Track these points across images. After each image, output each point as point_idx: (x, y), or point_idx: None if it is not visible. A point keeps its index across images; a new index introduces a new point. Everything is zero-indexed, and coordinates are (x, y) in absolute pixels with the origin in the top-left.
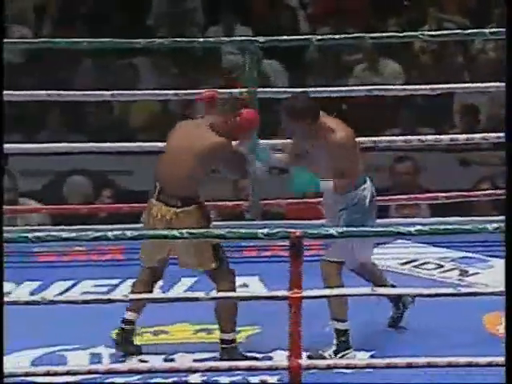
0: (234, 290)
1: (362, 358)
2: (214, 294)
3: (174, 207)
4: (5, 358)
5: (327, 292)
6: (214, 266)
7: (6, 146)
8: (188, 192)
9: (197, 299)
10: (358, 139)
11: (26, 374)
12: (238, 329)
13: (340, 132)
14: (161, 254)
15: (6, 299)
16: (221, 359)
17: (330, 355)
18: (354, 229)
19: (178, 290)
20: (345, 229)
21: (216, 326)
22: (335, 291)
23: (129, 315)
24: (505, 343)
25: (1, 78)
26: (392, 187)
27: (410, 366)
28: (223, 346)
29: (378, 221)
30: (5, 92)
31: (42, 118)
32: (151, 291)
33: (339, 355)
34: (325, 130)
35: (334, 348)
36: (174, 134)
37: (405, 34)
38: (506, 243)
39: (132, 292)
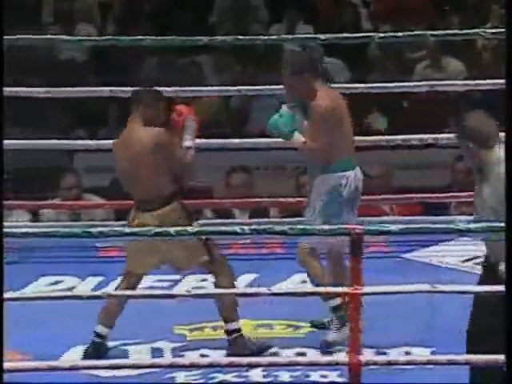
0: (233, 281)
1: (422, 354)
2: (275, 289)
3: (154, 210)
4: (69, 351)
5: (387, 289)
6: (207, 259)
7: (70, 142)
8: (161, 192)
9: (257, 295)
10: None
11: (89, 367)
12: (298, 324)
13: (325, 101)
14: (153, 261)
15: (68, 293)
16: (232, 351)
17: (336, 337)
18: (415, 225)
19: (239, 286)
20: (405, 226)
21: (277, 322)
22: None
23: (100, 329)
24: (505, 343)
25: (1, 78)
26: (452, 185)
27: (469, 363)
28: (230, 336)
29: (438, 218)
30: (69, 89)
31: (103, 114)
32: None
33: (342, 330)
34: (314, 94)
35: (335, 325)
36: (117, 152)
37: (467, 31)
38: (506, 243)
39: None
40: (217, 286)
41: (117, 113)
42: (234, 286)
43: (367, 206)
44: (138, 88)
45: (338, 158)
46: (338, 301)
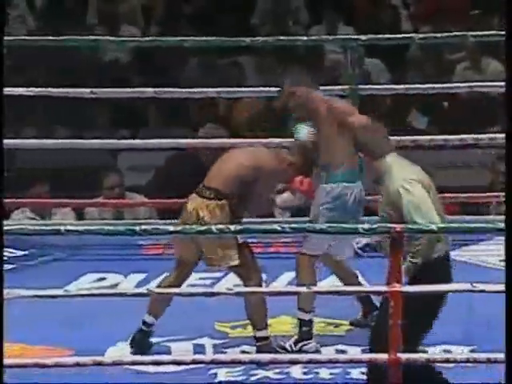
0: (260, 287)
1: (462, 352)
2: (315, 288)
3: (205, 198)
4: (113, 347)
5: (428, 288)
6: (237, 263)
7: (114, 141)
8: (225, 188)
9: (298, 293)
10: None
11: (133, 363)
12: (338, 322)
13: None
14: (195, 250)
15: (113, 291)
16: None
17: (290, 345)
18: (453, 224)
19: (279, 284)
20: (445, 225)
21: (317, 320)
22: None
23: (148, 318)
24: (505, 343)
25: (1, 78)
26: (493, 185)
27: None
28: (258, 343)
29: (478, 217)
30: (113, 90)
31: (145, 114)
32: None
33: (299, 345)
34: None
35: (295, 338)
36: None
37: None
38: (506, 243)
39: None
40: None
41: (156, 113)
42: (262, 296)
43: None
44: None
45: (343, 166)
46: (309, 316)
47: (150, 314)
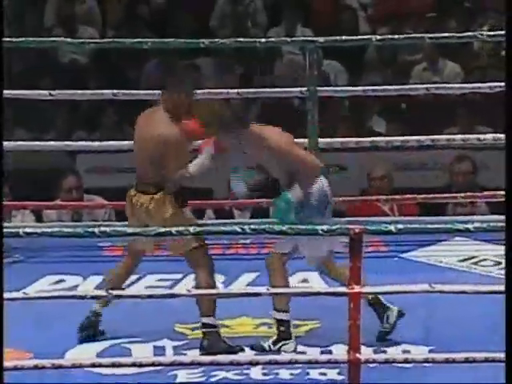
0: (211, 276)
1: (421, 352)
2: (274, 289)
3: (149, 194)
4: (73, 350)
5: (386, 288)
6: (195, 245)
7: (72, 143)
8: (159, 178)
9: (258, 294)
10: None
11: (93, 365)
12: (297, 323)
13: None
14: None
15: (72, 293)
16: (201, 344)
17: (269, 345)
18: (413, 226)
19: (239, 285)
20: (403, 226)
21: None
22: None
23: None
24: (505, 343)
25: (1, 78)
26: (451, 186)
27: (467, 361)
28: (203, 330)
29: (437, 218)
30: (71, 91)
31: (103, 116)
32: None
33: (278, 345)
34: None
35: (274, 338)
36: (137, 126)
37: (464, 34)
38: (506, 243)
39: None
40: (196, 279)
41: (114, 115)
42: (212, 280)
43: (367, 206)
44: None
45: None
46: (286, 316)
47: (209, 316)
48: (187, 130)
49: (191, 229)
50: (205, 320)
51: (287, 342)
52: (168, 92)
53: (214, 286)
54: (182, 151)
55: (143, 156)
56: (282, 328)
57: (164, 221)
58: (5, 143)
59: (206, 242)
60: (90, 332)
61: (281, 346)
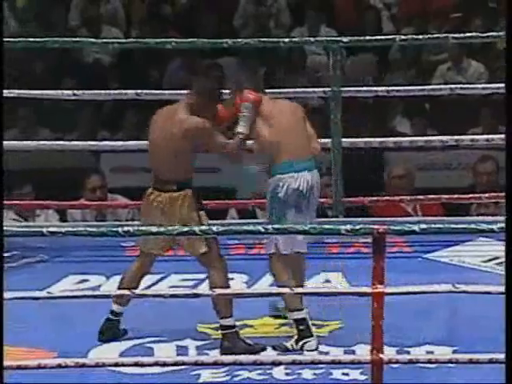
0: (225, 277)
1: (444, 353)
2: (299, 289)
3: (168, 192)
4: (96, 349)
5: (410, 289)
6: (204, 251)
7: (96, 143)
8: (179, 176)
9: (281, 294)
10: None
11: (116, 364)
12: (320, 323)
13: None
14: (165, 242)
15: (95, 293)
16: (221, 345)
17: (291, 345)
18: (437, 226)
19: (262, 285)
20: (427, 226)
21: None
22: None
23: (116, 308)
24: (505, 343)
25: (1, 78)
26: (474, 186)
27: (491, 361)
28: (223, 332)
29: (460, 218)
30: (95, 91)
31: (127, 116)
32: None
33: (300, 343)
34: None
35: (295, 337)
36: (154, 122)
37: (487, 34)
38: (506, 243)
39: (121, 282)
40: (209, 280)
41: (138, 114)
42: (227, 282)
43: (390, 206)
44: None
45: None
46: (302, 314)
47: (116, 303)
48: (218, 116)
49: (214, 228)
50: (223, 322)
51: (309, 339)
52: (194, 93)
53: (228, 287)
54: (212, 139)
55: (164, 152)
56: (301, 327)
57: (180, 220)
58: (29, 143)
59: (216, 243)
60: (110, 334)
61: (303, 345)
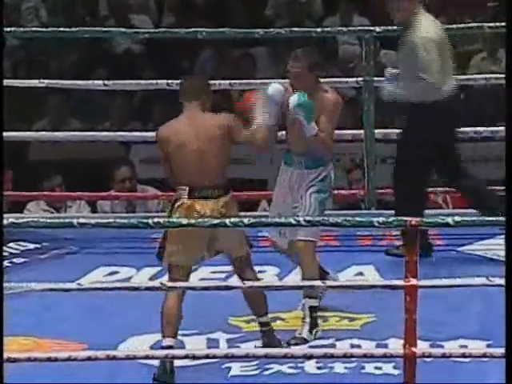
0: (256, 276)
1: (478, 347)
2: (330, 282)
3: (221, 197)
4: (126, 341)
5: (443, 282)
6: (247, 252)
7: (126, 134)
8: (223, 179)
9: (313, 287)
10: None
11: (146, 357)
12: (353, 316)
13: (336, 96)
14: (202, 252)
15: (125, 285)
16: (263, 342)
17: (308, 335)
18: (472, 218)
19: (293, 278)
20: (460, 218)
21: (331, 314)
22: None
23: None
24: (505, 343)
25: (1, 77)
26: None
27: None
28: (262, 329)
29: None
30: (125, 81)
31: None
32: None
33: (313, 331)
34: (321, 88)
35: (307, 327)
36: (175, 134)
37: None
38: (506, 243)
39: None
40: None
41: (168, 105)
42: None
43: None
44: (193, 78)
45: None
46: (316, 302)
47: (261, 315)
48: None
49: (246, 220)
50: (261, 320)
51: (318, 328)
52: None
53: (263, 292)
54: (241, 131)
55: (202, 159)
56: (314, 314)
57: None
58: (59, 133)
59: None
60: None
61: (316, 333)
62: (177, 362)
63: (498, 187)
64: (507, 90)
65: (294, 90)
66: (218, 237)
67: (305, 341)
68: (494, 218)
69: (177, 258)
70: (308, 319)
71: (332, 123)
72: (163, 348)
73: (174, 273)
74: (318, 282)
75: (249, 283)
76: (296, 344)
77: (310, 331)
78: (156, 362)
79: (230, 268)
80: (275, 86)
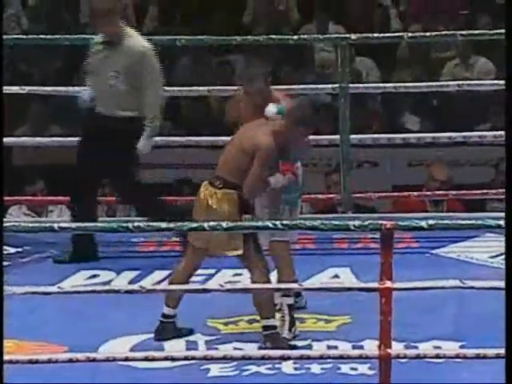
0: (266, 276)
1: (452, 348)
2: (306, 284)
3: (215, 188)
4: (106, 344)
5: (418, 284)
6: (241, 252)
7: None
8: (233, 178)
9: (290, 289)
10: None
11: (126, 359)
12: (329, 318)
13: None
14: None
15: (105, 288)
16: (265, 345)
17: (288, 334)
18: (445, 221)
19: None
20: (434, 221)
21: (308, 316)
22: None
23: (167, 311)
24: (505, 343)
25: (0, 78)
26: (487, 182)
27: (499, 356)
28: (266, 332)
29: (468, 214)
30: None
31: None
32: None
33: (293, 329)
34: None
35: (287, 325)
36: (244, 130)
37: (495, 31)
38: (506, 242)
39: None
40: (252, 281)
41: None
42: (268, 282)
43: (411, 203)
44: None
45: None
46: (292, 300)
47: (168, 306)
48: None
49: (224, 224)
50: (266, 322)
51: (296, 326)
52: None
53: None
54: (270, 162)
55: (228, 157)
56: (292, 313)
57: (219, 217)
58: (40, 139)
59: (254, 242)
60: (167, 334)
61: (294, 331)
62: (156, 364)
63: (480, 191)
64: (507, 88)
65: (252, 105)
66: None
67: (286, 340)
68: (466, 222)
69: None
70: (287, 317)
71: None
72: (163, 315)
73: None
74: (294, 285)
75: (227, 286)
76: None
77: (290, 329)
78: (136, 364)
79: (209, 271)
80: (277, 180)
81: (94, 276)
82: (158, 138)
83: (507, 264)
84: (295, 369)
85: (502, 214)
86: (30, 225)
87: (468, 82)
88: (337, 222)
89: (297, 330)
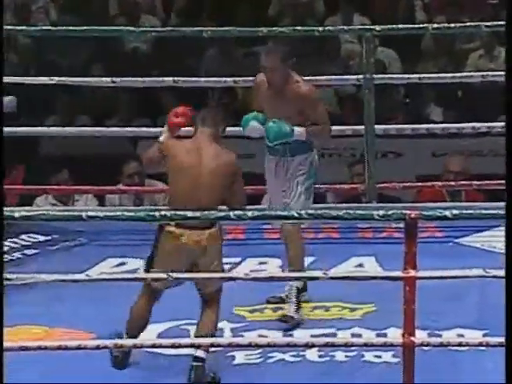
0: (217, 317)
1: (475, 336)
2: (331, 273)
3: (207, 229)
4: None
5: (441, 273)
6: (217, 290)
7: (134, 129)
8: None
9: (315, 278)
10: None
11: (153, 346)
12: (353, 306)
13: (310, 85)
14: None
15: (133, 275)
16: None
17: (294, 314)
18: (469, 211)
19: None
20: (458, 211)
21: (332, 304)
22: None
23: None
24: (505, 343)
25: (0, 76)
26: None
27: None
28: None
29: (491, 204)
30: (133, 79)
31: (163, 103)
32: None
33: (299, 311)
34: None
35: (294, 307)
36: (178, 154)
37: None
38: (505, 242)
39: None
40: (201, 319)
41: (173, 102)
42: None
43: (432, 193)
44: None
45: None
46: (301, 284)
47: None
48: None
49: (250, 213)
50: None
51: (301, 307)
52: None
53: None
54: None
55: (199, 190)
56: (299, 295)
57: (217, 255)
58: (68, 129)
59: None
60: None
61: (301, 315)
62: (182, 351)
63: (496, 181)
64: (507, 88)
65: (269, 84)
66: (198, 265)
67: (292, 319)
68: (490, 212)
69: (157, 284)
70: (294, 299)
71: (320, 110)
72: (118, 337)
73: (146, 291)
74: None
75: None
76: (286, 322)
77: (297, 310)
78: (164, 351)
79: (235, 259)
80: (252, 127)
81: (122, 264)
82: (183, 129)
83: (507, 265)
84: (320, 356)
85: None
86: (59, 213)
87: (492, 73)
88: (361, 212)
89: (304, 316)
